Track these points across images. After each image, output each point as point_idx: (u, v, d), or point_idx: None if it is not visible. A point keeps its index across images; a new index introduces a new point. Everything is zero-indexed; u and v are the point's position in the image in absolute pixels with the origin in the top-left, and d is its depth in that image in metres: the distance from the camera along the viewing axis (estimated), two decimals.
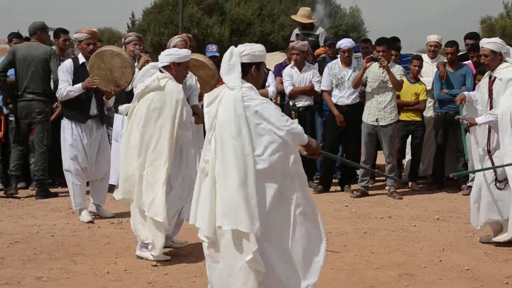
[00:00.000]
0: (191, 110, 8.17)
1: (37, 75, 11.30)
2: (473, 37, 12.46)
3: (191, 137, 8.21)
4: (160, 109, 7.84)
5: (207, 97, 5.92)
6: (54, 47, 12.37)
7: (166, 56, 8.04)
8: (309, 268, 5.90)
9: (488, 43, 8.73)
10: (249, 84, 5.76)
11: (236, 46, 6.08)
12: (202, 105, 7.28)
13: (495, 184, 8.62)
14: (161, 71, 7.98)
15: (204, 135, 6.91)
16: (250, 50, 5.81)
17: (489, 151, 8.61)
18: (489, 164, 8.57)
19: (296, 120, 5.79)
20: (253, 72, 5.83)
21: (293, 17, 14.88)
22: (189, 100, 8.21)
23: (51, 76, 11.29)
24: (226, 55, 5.78)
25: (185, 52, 8.24)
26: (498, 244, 8.71)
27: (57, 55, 11.55)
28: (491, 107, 8.56)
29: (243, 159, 5.53)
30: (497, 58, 8.60)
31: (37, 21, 11.91)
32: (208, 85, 9.04)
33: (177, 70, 7.98)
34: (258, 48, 5.90)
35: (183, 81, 8.24)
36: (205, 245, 5.80)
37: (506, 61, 8.61)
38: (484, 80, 8.87)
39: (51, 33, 13.03)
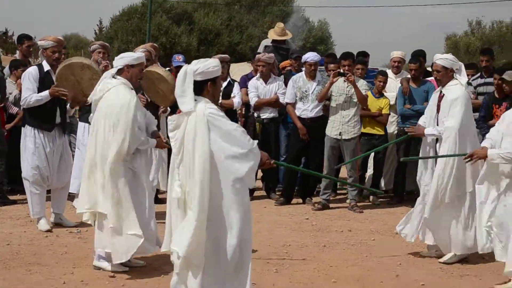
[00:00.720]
0: (146, 116, 8.20)
1: None
2: (417, 57, 12.53)
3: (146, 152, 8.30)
4: (110, 116, 7.83)
5: (171, 121, 5.96)
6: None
7: (120, 60, 8.06)
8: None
9: (440, 59, 8.85)
10: (212, 106, 5.84)
11: (203, 57, 6.15)
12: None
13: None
14: (114, 77, 7.99)
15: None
16: (204, 67, 5.83)
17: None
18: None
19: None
20: (209, 88, 5.89)
21: (269, 35, 14.92)
22: (147, 128, 8.19)
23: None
24: (180, 75, 5.82)
25: (139, 54, 8.31)
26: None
27: None
28: (438, 123, 8.77)
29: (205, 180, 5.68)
30: (448, 74, 8.76)
31: None
32: (167, 100, 9.07)
33: (132, 73, 7.99)
34: (212, 63, 5.93)
35: (137, 85, 8.26)
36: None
37: (456, 78, 8.79)
38: (435, 95, 9.08)
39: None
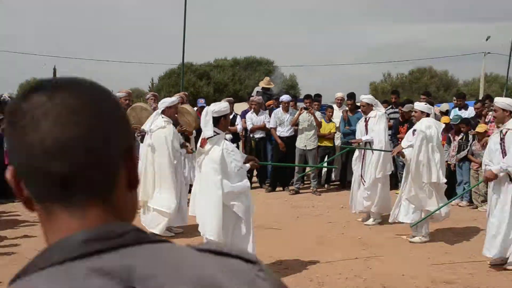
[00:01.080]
0: (180, 139, 8.38)
1: None
2: (353, 96, 12.69)
3: (180, 158, 8.42)
4: (161, 140, 8.05)
5: (199, 149, 5.94)
6: None
7: (162, 104, 8.33)
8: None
9: (365, 98, 9.16)
10: (228, 144, 5.83)
11: (217, 101, 6.23)
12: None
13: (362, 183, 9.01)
14: (162, 116, 8.15)
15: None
16: (218, 108, 5.83)
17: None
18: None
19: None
20: (222, 121, 5.86)
21: (260, 84, 15.00)
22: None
23: None
24: (203, 113, 5.85)
25: (173, 99, 8.47)
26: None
27: None
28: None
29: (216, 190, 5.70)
30: (370, 107, 9.03)
31: None
32: (191, 126, 9.22)
33: (169, 112, 8.19)
34: (224, 105, 5.95)
35: (174, 118, 8.42)
36: None
37: (375, 109, 9.08)
38: (362, 119, 9.34)
39: None
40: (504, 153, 6.46)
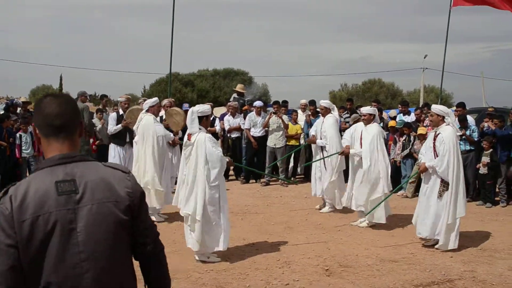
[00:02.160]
0: (166, 133, 8.24)
1: None
2: (314, 103, 12.59)
3: (166, 149, 8.29)
4: (144, 131, 8.03)
5: (186, 141, 5.97)
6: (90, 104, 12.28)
7: (146, 104, 8.32)
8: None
9: (323, 102, 9.10)
10: (209, 134, 5.90)
11: (195, 106, 6.25)
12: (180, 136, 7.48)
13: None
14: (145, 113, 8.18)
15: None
16: (202, 109, 5.95)
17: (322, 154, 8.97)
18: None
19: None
20: (204, 121, 5.97)
21: (236, 88, 14.89)
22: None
23: (84, 120, 11.19)
24: (189, 112, 5.94)
25: (153, 99, 8.37)
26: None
27: (88, 109, 11.55)
28: (321, 137, 8.91)
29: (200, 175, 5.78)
30: (327, 111, 8.96)
31: (81, 90, 11.93)
32: (179, 126, 9.05)
33: (151, 110, 8.14)
34: (206, 107, 6.04)
35: (158, 115, 8.38)
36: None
37: (331, 113, 8.97)
38: (320, 120, 9.21)
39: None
40: (435, 152, 6.62)
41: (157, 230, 2.11)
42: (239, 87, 14.83)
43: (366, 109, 8.10)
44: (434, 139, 6.66)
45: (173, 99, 11.20)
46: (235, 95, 14.51)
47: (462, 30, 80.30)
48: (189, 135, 5.96)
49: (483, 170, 9.79)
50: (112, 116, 10.25)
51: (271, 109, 12.58)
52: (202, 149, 5.75)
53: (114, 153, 10.01)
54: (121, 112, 10.15)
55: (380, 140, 7.84)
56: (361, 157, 7.82)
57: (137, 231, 1.97)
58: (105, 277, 1.82)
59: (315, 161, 9.13)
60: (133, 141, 8.99)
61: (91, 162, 1.91)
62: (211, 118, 12.37)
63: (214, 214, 5.88)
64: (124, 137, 10.05)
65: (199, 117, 5.89)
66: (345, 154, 8.28)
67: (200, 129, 5.89)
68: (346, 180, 8.65)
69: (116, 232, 1.85)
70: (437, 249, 6.61)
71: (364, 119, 8.05)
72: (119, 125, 9.86)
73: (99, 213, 1.82)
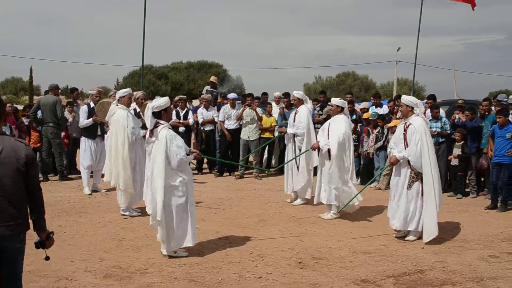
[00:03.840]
0: (135, 125, 8.08)
1: (51, 113, 11.08)
2: (288, 95, 12.59)
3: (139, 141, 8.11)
4: (116, 124, 7.97)
5: (148, 139, 5.88)
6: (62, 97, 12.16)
7: (117, 94, 8.24)
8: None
9: (296, 93, 9.10)
10: (171, 132, 5.80)
11: (174, 98, 6.18)
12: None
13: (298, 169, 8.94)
14: (117, 105, 8.12)
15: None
16: (157, 103, 5.82)
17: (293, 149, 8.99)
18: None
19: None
20: (163, 114, 5.85)
21: (210, 79, 14.79)
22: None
23: (57, 113, 11.09)
24: (146, 109, 5.87)
25: (124, 90, 8.28)
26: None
27: (60, 102, 11.38)
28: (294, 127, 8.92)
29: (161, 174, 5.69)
30: (300, 102, 8.98)
31: (53, 83, 11.68)
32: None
33: (123, 100, 8.09)
34: (162, 100, 5.88)
35: (129, 106, 8.24)
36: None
37: (304, 105, 8.98)
38: (293, 112, 9.20)
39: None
40: (406, 143, 6.65)
41: (39, 180, 3.63)
42: (213, 78, 14.78)
43: (335, 101, 8.15)
44: (405, 130, 6.70)
45: (144, 92, 11.10)
46: (207, 87, 14.42)
47: (435, 23, 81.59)
48: (151, 132, 5.85)
49: (454, 162, 9.95)
50: (83, 109, 10.10)
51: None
52: (162, 146, 5.66)
53: (85, 146, 9.91)
54: (92, 105, 10.01)
55: (349, 134, 7.92)
56: (329, 148, 7.86)
57: (28, 178, 3.47)
58: (7, 197, 3.38)
59: (288, 161, 9.09)
60: (105, 135, 8.90)
61: (6, 136, 3.47)
62: (184, 111, 12.33)
63: (180, 211, 5.81)
64: (95, 130, 9.96)
65: (157, 112, 5.77)
66: (315, 148, 8.29)
67: (161, 123, 5.78)
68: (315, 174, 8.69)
69: (16, 175, 3.40)
70: (408, 240, 6.69)
71: (331, 110, 8.11)
72: (90, 119, 9.75)
73: (8, 162, 3.36)
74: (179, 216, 5.81)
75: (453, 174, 10.10)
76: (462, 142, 9.91)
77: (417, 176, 6.61)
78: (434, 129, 9.98)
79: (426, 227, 6.58)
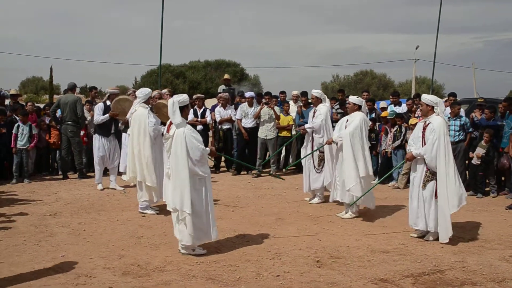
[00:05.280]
0: (155, 122, 8.05)
1: (71, 111, 11.21)
2: (306, 94, 12.50)
3: (158, 139, 8.02)
4: (138, 122, 7.95)
5: (165, 134, 5.92)
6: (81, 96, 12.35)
7: (142, 94, 8.12)
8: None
9: (314, 92, 9.04)
10: (189, 126, 5.82)
11: (191, 97, 6.20)
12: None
13: (315, 168, 8.90)
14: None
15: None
16: (182, 99, 5.87)
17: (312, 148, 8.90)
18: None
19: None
20: (185, 110, 5.91)
21: (225, 77, 14.83)
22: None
23: (78, 112, 11.23)
24: (170, 103, 5.82)
25: (146, 90, 8.25)
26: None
27: (81, 101, 11.55)
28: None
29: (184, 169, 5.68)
30: (318, 100, 8.92)
31: (71, 82, 11.81)
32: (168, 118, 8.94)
33: (150, 101, 8.23)
34: (185, 96, 5.95)
35: (151, 105, 8.31)
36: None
37: (322, 103, 8.92)
38: (312, 110, 9.16)
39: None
40: (424, 141, 6.58)
41: None
42: (226, 76, 14.86)
43: (352, 98, 8.09)
44: (424, 129, 6.62)
45: (170, 90, 11.19)
46: (223, 86, 14.43)
47: (454, 20, 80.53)
48: (168, 127, 5.89)
49: (476, 161, 9.79)
50: (99, 106, 10.19)
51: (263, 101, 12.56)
52: (183, 142, 5.67)
53: (99, 144, 9.98)
54: (108, 103, 10.08)
55: (362, 128, 7.79)
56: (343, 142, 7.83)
57: None
58: None
59: (303, 158, 9.07)
60: (126, 133, 8.96)
61: None
62: (202, 109, 12.36)
63: (201, 207, 5.82)
64: (109, 128, 10.03)
65: (180, 107, 5.80)
66: (330, 143, 8.25)
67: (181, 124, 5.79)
68: None
69: None
70: (426, 240, 6.61)
71: (348, 107, 8.07)
72: (107, 115, 9.82)
73: None
74: (202, 211, 5.83)
75: (473, 173, 9.95)
76: (489, 143, 9.74)
77: (433, 175, 6.52)
78: (452, 127, 9.86)
79: (440, 227, 6.49)
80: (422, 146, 6.59)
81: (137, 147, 7.97)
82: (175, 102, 5.80)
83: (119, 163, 10.21)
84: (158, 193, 7.96)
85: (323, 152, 8.73)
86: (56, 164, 12.25)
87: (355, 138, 7.73)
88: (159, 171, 7.97)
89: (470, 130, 10.10)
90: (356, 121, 7.80)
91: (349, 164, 7.71)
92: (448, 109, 10.48)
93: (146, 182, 7.91)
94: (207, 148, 5.94)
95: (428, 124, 6.57)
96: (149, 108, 8.08)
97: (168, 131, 5.88)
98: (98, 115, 9.94)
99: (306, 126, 8.96)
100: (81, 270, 5.30)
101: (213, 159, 12.18)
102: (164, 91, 10.56)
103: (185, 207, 5.68)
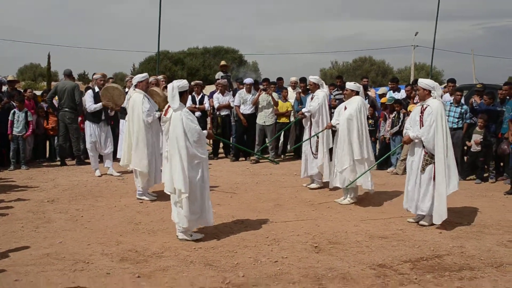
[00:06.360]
0: (150, 108, 7.96)
1: (68, 98, 11.16)
2: (304, 80, 12.45)
3: (155, 124, 8.01)
4: (133, 109, 7.91)
5: (163, 117, 5.91)
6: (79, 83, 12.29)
7: (135, 79, 8.17)
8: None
9: (312, 78, 8.98)
10: (185, 109, 5.79)
11: (190, 84, 6.18)
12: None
13: (313, 154, 8.88)
14: (134, 89, 8.06)
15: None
16: (182, 84, 5.85)
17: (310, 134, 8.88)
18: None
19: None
20: (185, 96, 5.91)
21: (221, 63, 14.75)
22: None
23: (76, 98, 11.18)
24: (169, 88, 5.81)
25: (142, 75, 8.26)
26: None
27: (78, 87, 11.51)
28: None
29: (182, 150, 5.65)
30: (316, 86, 8.87)
31: (67, 69, 11.74)
32: (160, 105, 8.81)
33: (141, 85, 8.04)
34: (184, 82, 5.93)
35: (147, 91, 8.21)
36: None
37: (320, 89, 8.88)
38: (309, 96, 9.12)
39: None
40: (422, 124, 6.56)
41: None
42: (223, 62, 14.79)
43: (349, 85, 8.03)
44: (422, 113, 6.58)
45: (165, 76, 11.12)
46: (220, 73, 14.35)
47: (453, 7, 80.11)
48: (166, 111, 5.89)
49: (475, 148, 9.76)
50: (89, 93, 10.15)
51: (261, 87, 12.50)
52: (180, 124, 5.65)
53: (90, 130, 10.02)
54: (96, 89, 10.08)
55: (360, 111, 7.74)
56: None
57: None
58: None
59: (304, 141, 9.04)
60: (124, 120, 8.94)
61: None
62: (200, 96, 12.30)
63: (198, 190, 5.80)
64: (100, 115, 10.02)
65: (179, 92, 5.79)
66: (329, 127, 8.24)
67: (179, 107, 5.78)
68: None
69: None
70: (421, 225, 6.60)
71: (346, 94, 8.02)
72: (99, 104, 9.82)
73: None
74: (200, 192, 5.82)
75: (472, 160, 9.92)
76: (484, 128, 9.71)
77: (431, 158, 6.49)
78: (452, 114, 9.82)
79: (435, 209, 6.47)
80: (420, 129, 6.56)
81: (131, 134, 7.97)
82: (174, 87, 5.77)
83: (116, 149, 10.20)
84: (152, 179, 7.98)
85: (319, 138, 8.73)
86: (55, 150, 12.21)
87: (352, 121, 7.70)
88: (155, 157, 7.95)
89: (468, 121, 10.05)
90: (354, 105, 7.77)
91: (344, 147, 7.72)
92: (447, 95, 10.43)
93: (137, 168, 7.91)
94: (205, 131, 5.92)
95: (426, 107, 6.53)
96: (143, 94, 8.00)
97: (165, 114, 5.87)
98: (90, 103, 9.94)
99: (303, 109, 8.91)
100: (79, 256, 5.28)
101: (211, 142, 12.18)
102: (160, 77, 10.48)
103: (183, 189, 5.66)
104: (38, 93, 14.24)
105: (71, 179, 9.71)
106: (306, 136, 9.02)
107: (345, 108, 7.91)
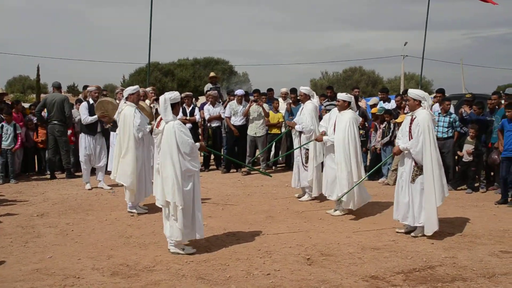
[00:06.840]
0: (141, 123, 7.92)
1: (58, 111, 11.10)
2: (295, 91, 12.46)
3: (145, 137, 8.02)
4: (124, 122, 7.88)
5: (155, 129, 5.91)
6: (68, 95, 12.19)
7: (126, 92, 8.12)
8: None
9: (303, 89, 9.01)
10: (178, 121, 5.77)
11: (181, 95, 6.19)
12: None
13: (303, 165, 8.89)
14: (125, 102, 8.03)
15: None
16: (173, 96, 5.84)
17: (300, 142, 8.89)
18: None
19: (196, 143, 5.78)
20: (177, 107, 5.89)
21: (210, 75, 14.71)
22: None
23: (66, 111, 11.13)
24: (161, 100, 5.79)
25: (133, 87, 8.21)
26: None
27: (68, 100, 11.47)
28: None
29: (175, 163, 5.63)
30: (307, 97, 8.89)
31: (56, 81, 11.71)
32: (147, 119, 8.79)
33: (132, 98, 8.01)
34: (177, 94, 5.91)
35: (137, 103, 8.19)
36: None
37: (310, 100, 8.89)
38: (300, 108, 9.10)
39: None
40: (411, 135, 6.60)
41: None
42: (212, 74, 14.76)
43: (341, 96, 8.05)
44: (411, 123, 6.63)
45: (154, 88, 11.08)
46: (209, 85, 14.34)
47: (443, 17, 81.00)
48: (158, 123, 5.88)
49: (467, 158, 9.81)
50: (84, 105, 10.09)
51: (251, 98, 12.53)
52: (172, 136, 5.64)
53: (85, 143, 9.93)
54: (91, 101, 10.01)
55: (352, 127, 7.74)
56: (333, 144, 7.79)
57: None
58: None
59: (293, 150, 9.07)
60: (115, 132, 8.90)
61: None
62: (191, 108, 12.29)
63: (189, 203, 5.77)
64: (95, 127, 9.95)
65: (171, 104, 5.78)
66: (319, 141, 8.23)
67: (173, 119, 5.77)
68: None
69: None
70: (413, 236, 6.61)
71: (338, 105, 8.01)
72: (95, 116, 9.74)
73: None
74: (191, 204, 5.80)
75: (463, 171, 9.97)
76: (475, 138, 9.76)
77: (421, 170, 6.53)
78: (441, 124, 9.89)
79: (425, 221, 6.50)
80: (409, 140, 6.61)
81: (121, 147, 7.93)
82: (166, 99, 5.77)
83: (107, 162, 10.14)
84: (142, 192, 7.96)
85: (309, 149, 8.74)
86: (45, 164, 12.11)
87: (347, 142, 7.68)
88: (144, 170, 7.93)
89: (458, 129, 10.12)
90: (345, 123, 7.71)
91: (343, 170, 7.67)
92: (437, 106, 10.50)
93: (120, 182, 7.93)
94: (197, 144, 5.91)
95: (415, 118, 6.58)
96: (135, 107, 7.97)
97: (158, 126, 5.86)
98: (85, 115, 9.87)
99: (296, 127, 8.87)
100: (69, 271, 5.22)
101: (202, 154, 12.16)
102: (148, 89, 10.46)
103: (177, 201, 5.63)
104: (27, 105, 14.16)
105: (61, 193, 9.63)
106: (296, 145, 9.04)
107: (335, 121, 7.91)
